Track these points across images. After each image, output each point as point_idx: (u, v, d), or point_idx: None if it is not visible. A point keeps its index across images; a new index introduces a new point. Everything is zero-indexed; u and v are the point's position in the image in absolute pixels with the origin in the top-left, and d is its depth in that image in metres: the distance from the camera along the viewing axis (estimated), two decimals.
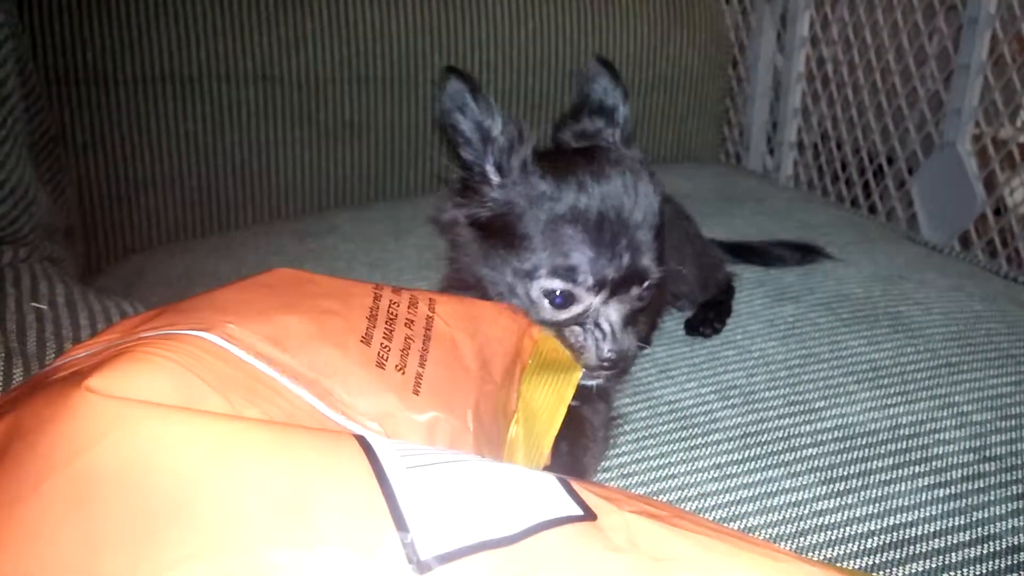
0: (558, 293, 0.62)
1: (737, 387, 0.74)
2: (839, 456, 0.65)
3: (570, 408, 0.57)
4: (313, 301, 0.53)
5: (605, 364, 0.63)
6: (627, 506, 0.39)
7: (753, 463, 0.65)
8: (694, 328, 0.83)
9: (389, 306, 0.57)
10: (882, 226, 1.28)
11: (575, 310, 0.63)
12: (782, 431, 0.68)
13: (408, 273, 0.95)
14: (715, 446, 0.67)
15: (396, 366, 0.52)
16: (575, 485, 0.40)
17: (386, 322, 0.55)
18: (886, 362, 0.76)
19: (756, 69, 1.55)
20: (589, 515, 0.38)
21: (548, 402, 0.58)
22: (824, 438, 0.67)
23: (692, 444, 0.67)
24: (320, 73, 1.17)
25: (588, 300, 0.63)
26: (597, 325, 0.63)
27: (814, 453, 0.65)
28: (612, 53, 1.28)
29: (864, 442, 0.66)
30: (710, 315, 0.84)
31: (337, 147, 1.20)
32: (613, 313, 0.63)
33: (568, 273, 0.61)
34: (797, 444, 0.66)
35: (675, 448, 0.66)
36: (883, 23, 1.35)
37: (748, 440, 0.67)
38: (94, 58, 1.09)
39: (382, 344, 0.53)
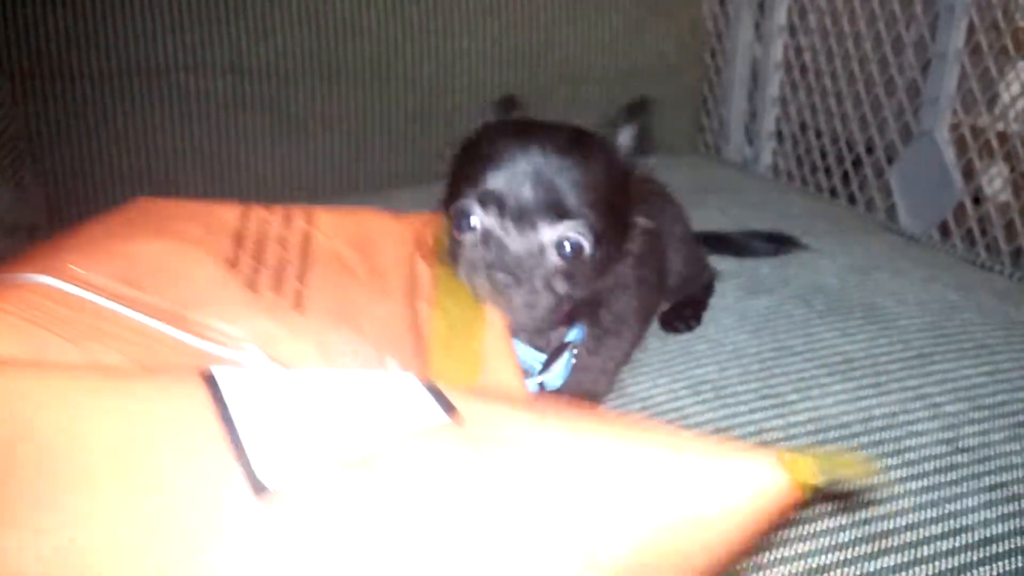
0: (455, 212, 0.59)
1: (709, 381, 0.73)
2: (810, 450, 0.64)
3: None
4: (173, 229, 0.51)
5: (482, 275, 0.56)
6: (496, 403, 0.38)
7: None
8: (669, 323, 0.82)
9: (259, 224, 0.55)
10: (859, 216, 1.27)
11: (473, 228, 0.58)
12: (754, 425, 0.67)
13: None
14: None
15: (270, 287, 0.50)
16: (437, 387, 0.39)
17: (255, 243, 0.53)
18: (859, 354, 0.75)
19: (734, 59, 1.54)
20: (452, 411, 0.37)
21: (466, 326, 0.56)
22: (796, 432, 0.66)
23: None
24: (289, 64, 1.15)
25: (482, 218, 0.58)
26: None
27: (786, 447, 0.64)
28: (587, 43, 1.27)
29: (837, 435, 0.66)
30: (686, 311, 0.83)
31: (307, 140, 1.19)
32: (516, 239, 0.57)
33: (463, 190, 0.58)
34: (769, 438, 0.66)
35: None
36: (860, 11, 1.33)
37: (720, 435, 0.66)
38: (59, 52, 1.07)
39: (251, 266, 0.51)
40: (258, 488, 0.33)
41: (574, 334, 0.63)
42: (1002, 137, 1.19)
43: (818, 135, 1.46)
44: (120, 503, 0.33)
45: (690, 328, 0.82)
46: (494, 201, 0.57)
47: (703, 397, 0.71)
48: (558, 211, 0.57)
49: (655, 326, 0.82)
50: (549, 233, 0.57)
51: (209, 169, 1.16)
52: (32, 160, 1.05)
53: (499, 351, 0.55)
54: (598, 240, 0.58)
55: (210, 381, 0.37)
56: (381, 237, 0.59)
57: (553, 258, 0.58)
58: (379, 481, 0.34)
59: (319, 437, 0.35)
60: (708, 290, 0.88)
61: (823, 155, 1.45)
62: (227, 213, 0.55)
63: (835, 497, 0.58)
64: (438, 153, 1.26)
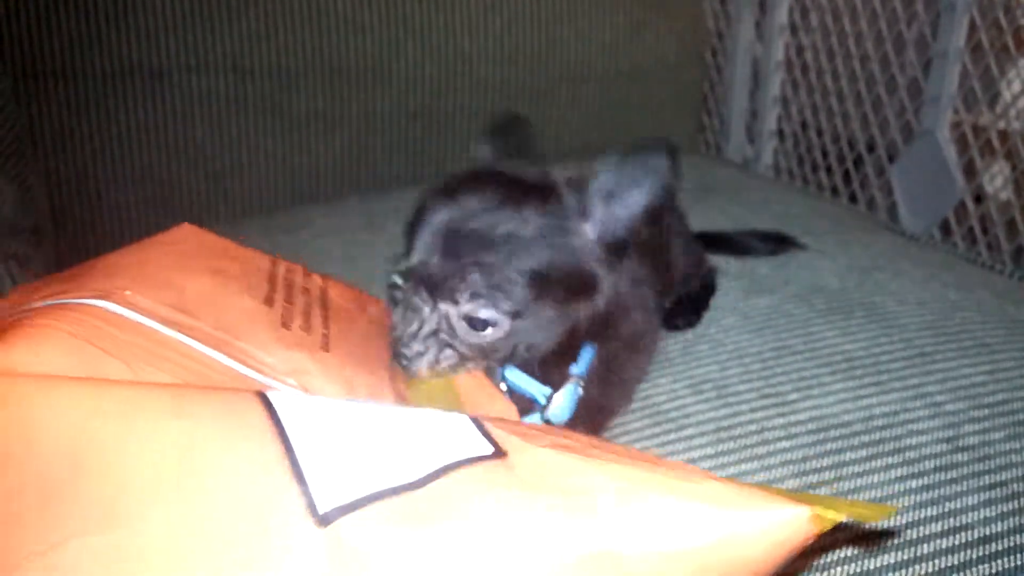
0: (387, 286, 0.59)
1: (710, 381, 0.73)
2: (813, 448, 0.64)
3: None
4: (214, 263, 0.54)
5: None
6: (540, 441, 0.38)
7: (727, 457, 0.64)
8: (669, 321, 0.82)
9: (286, 273, 0.58)
10: (859, 215, 1.28)
11: (401, 300, 0.58)
12: (756, 424, 0.67)
13: (384, 267, 0.94)
14: (688, 441, 0.66)
15: (300, 326, 0.52)
16: (487, 424, 0.39)
17: (285, 287, 0.56)
18: (860, 353, 0.75)
19: (735, 58, 1.54)
20: (499, 453, 0.37)
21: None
22: (798, 431, 0.66)
23: (665, 440, 0.66)
24: (291, 64, 1.15)
25: (407, 293, 0.58)
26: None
27: (788, 446, 0.65)
28: (588, 42, 1.27)
29: (837, 434, 0.66)
30: (687, 309, 0.84)
31: (309, 139, 1.19)
32: (433, 318, 0.57)
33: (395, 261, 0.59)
34: (771, 437, 0.66)
35: (648, 444, 0.66)
36: (862, 10, 1.34)
37: (722, 434, 0.66)
38: (61, 52, 1.07)
39: (284, 306, 0.53)
40: (321, 519, 0.33)
41: (579, 366, 0.62)
42: (1003, 135, 1.19)
43: (819, 134, 1.46)
44: (176, 516, 0.33)
45: (691, 325, 0.82)
46: (410, 276, 0.57)
47: (705, 396, 0.71)
48: (465, 287, 0.55)
49: None
50: (454, 311, 0.56)
51: (211, 169, 1.16)
52: (35, 160, 1.05)
53: (479, 388, 0.58)
54: (518, 313, 0.56)
55: (265, 401, 0.38)
56: (375, 309, 0.64)
57: (464, 332, 0.57)
58: (431, 514, 0.34)
59: (374, 466, 0.36)
60: (709, 288, 0.88)
61: (824, 154, 1.46)
62: (260, 257, 0.59)
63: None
64: (439, 153, 1.28)
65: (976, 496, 0.59)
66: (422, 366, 0.57)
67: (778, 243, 0.98)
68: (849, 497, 0.60)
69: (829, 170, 1.46)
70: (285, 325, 0.52)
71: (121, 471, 0.34)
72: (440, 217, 0.56)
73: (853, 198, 1.41)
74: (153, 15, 1.09)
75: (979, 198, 1.23)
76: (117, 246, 0.56)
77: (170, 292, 0.48)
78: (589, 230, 0.59)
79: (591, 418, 0.63)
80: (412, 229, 0.58)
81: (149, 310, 0.46)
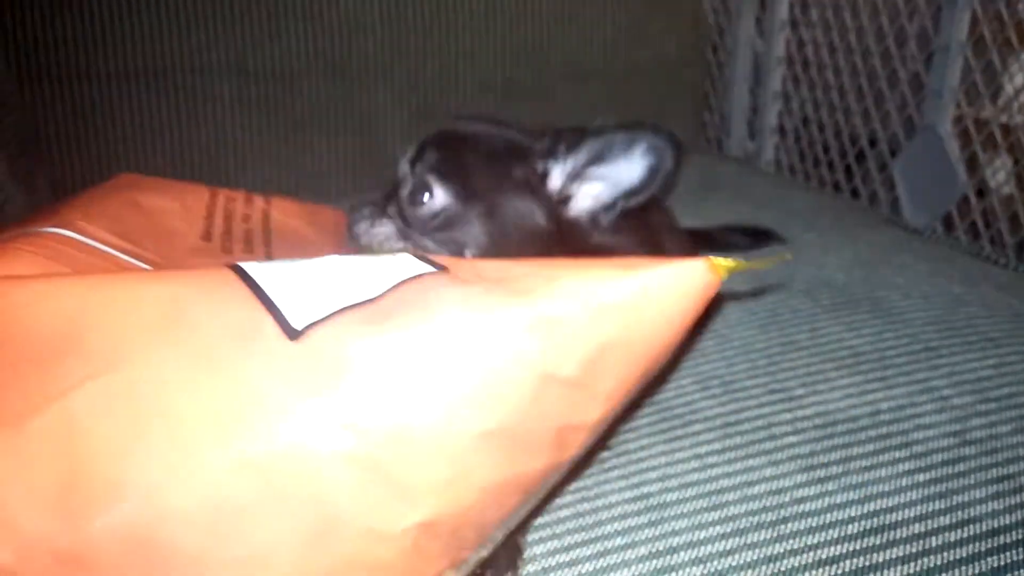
0: None
1: (717, 376, 0.73)
2: (820, 444, 0.65)
3: None
4: (155, 202, 0.59)
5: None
6: (475, 260, 0.47)
7: (734, 452, 0.64)
8: None
9: (226, 203, 0.63)
10: (863, 210, 1.28)
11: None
12: (763, 420, 0.68)
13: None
14: (695, 436, 0.66)
15: (242, 250, 0.58)
16: (427, 256, 0.45)
17: (224, 218, 0.61)
18: (866, 348, 0.76)
19: (735, 53, 1.54)
20: (442, 269, 0.44)
21: None
22: (804, 426, 0.67)
23: (672, 435, 0.66)
24: (295, 64, 1.15)
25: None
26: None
27: (795, 441, 0.65)
28: (589, 39, 1.27)
29: (844, 429, 0.66)
30: None
31: (312, 140, 1.19)
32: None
33: None
34: (778, 433, 0.66)
35: (655, 440, 0.66)
36: (863, 4, 1.34)
37: (729, 430, 0.67)
38: (67, 54, 1.07)
39: (223, 237, 0.58)
40: (290, 332, 0.38)
41: None
42: (1006, 129, 1.19)
43: (821, 129, 1.46)
44: (171, 352, 0.38)
45: None
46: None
47: (711, 392, 0.71)
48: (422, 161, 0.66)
49: None
50: (407, 173, 0.68)
51: (216, 169, 1.16)
52: (41, 162, 1.06)
53: None
54: (459, 196, 0.64)
55: (236, 268, 0.42)
56: (331, 220, 0.70)
57: (406, 204, 0.66)
58: (392, 315, 0.40)
59: (337, 291, 0.41)
60: None
61: (826, 149, 1.46)
62: (199, 191, 0.65)
63: None
64: None
65: (984, 489, 0.60)
66: (359, 230, 0.67)
67: (758, 237, 0.99)
68: (858, 492, 0.60)
69: (831, 165, 1.46)
70: (226, 251, 0.57)
71: (118, 325, 0.39)
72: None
73: (855, 193, 1.41)
74: (157, 18, 1.09)
75: (981, 192, 1.24)
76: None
77: (117, 224, 0.52)
78: (556, 172, 0.65)
79: None
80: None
81: (101, 237, 0.50)
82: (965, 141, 1.24)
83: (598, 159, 0.63)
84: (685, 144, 0.61)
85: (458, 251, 0.65)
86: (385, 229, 0.67)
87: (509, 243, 0.65)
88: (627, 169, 0.62)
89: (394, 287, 0.41)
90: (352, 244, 0.67)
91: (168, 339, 0.38)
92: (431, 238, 0.66)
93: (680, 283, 0.42)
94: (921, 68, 1.27)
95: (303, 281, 0.42)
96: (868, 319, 0.80)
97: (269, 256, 0.58)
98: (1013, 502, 0.59)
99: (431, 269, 0.43)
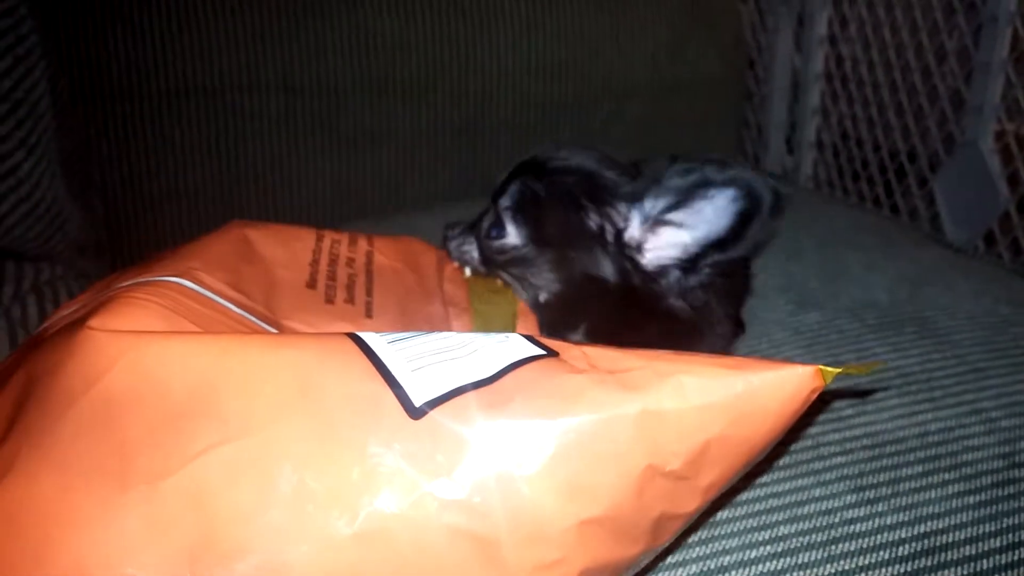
0: None
1: None
2: (868, 464, 0.65)
3: None
4: (262, 249, 0.60)
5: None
6: (583, 345, 0.46)
7: (782, 472, 0.65)
8: None
9: (331, 247, 0.64)
10: (906, 228, 1.27)
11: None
12: (811, 439, 0.68)
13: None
14: None
15: (344, 300, 0.59)
16: (536, 337, 0.47)
17: (328, 263, 0.62)
18: (913, 368, 0.76)
19: (773, 69, 1.55)
20: (552, 353, 0.45)
21: (499, 302, 0.68)
22: (853, 446, 0.67)
23: None
24: (340, 82, 1.17)
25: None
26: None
27: (843, 461, 0.65)
28: (630, 56, 1.28)
29: (893, 450, 0.66)
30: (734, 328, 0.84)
31: (357, 156, 1.21)
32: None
33: None
34: (826, 452, 0.66)
35: None
36: (902, 21, 1.34)
37: (778, 450, 0.67)
38: (119, 74, 1.10)
39: (327, 284, 0.59)
40: (416, 412, 0.40)
41: None
42: None
43: (859, 144, 1.46)
44: (296, 423, 0.39)
45: (736, 336, 0.83)
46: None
47: None
48: (505, 193, 0.67)
49: None
50: (489, 215, 0.69)
51: (262, 186, 1.19)
52: (95, 181, 1.08)
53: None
54: (531, 239, 0.66)
55: (355, 338, 0.44)
56: (422, 258, 0.72)
57: (484, 233, 0.68)
58: (509, 397, 0.41)
59: (453, 370, 0.42)
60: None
61: (865, 165, 1.45)
62: (306, 235, 0.65)
63: None
64: (484, 168, 1.30)
65: None
66: (451, 247, 0.72)
67: None
68: (908, 513, 0.60)
69: (870, 181, 1.46)
70: (329, 301, 0.58)
71: (250, 391, 0.40)
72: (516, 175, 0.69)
73: (895, 209, 1.41)
74: (207, 37, 1.12)
75: (1021, 207, 1.23)
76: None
77: (228, 273, 0.54)
78: (636, 219, 0.61)
79: None
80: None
81: (215, 288, 0.51)
82: (1006, 157, 1.23)
83: (679, 206, 0.57)
84: (785, 193, 0.54)
85: (531, 291, 0.67)
86: (471, 249, 0.71)
87: (579, 294, 0.65)
88: (713, 214, 0.55)
89: (509, 369, 0.42)
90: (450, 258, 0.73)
91: (295, 408, 0.40)
92: (505, 271, 0.68)
93: (787, 388, 0.43)
94: (961, 84, 1.27)
95: (421, 356, 0.43)
96: (914, 339, 0.80)
97: (370, 305, 0.59)
98: None
99: (543, 353, 0.45)
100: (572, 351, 0.45)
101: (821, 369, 0.44)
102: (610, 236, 0.62)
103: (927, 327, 0.83)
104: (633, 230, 0.61)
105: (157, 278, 0.49)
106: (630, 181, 0.62)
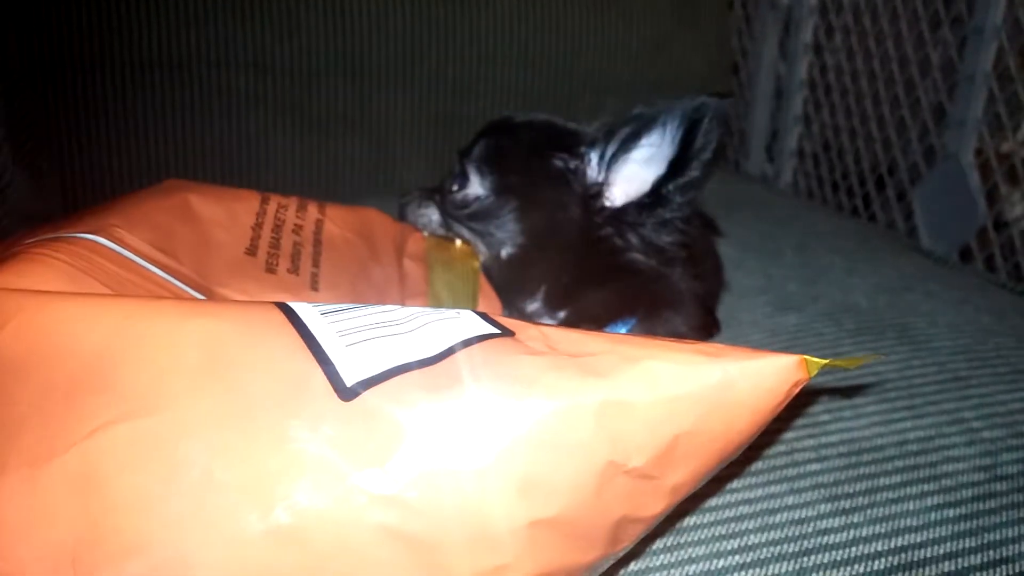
0: None
1: None
2: (844, 472, 0.62)
3: None
4: (201, 210, 0.55)
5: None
6: (543, 326, 0.42)
7: (755, 478, 0.62)
8: None
9: (277, 211, 0.59)
10: (887, 235, 1.26)
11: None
12: (786, 444, 0.65)
13: None
14: None
15: (288, 269, 0.54)
16: (492, 315, 0.42)
17: (272, 229, 0.57)
18: (892, 375, 0.74)
19: (758, 75, 1.53)
20: (507, 332, 0.40)
21: (458, 284, 0.63)
22: (829, 453, 0.64)
23: None
24: (313, 63, 1.13)
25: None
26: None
27: (818, 468, 0.63)
28: (613, 53, 1.26)
29: (870, 458, 0.64)
30: (707, 319, 0.82)
31: (328, 140, 1.17)
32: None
33: None
34: (801, 459, 0.64)
35: None
36: (887, 32, 1.33)
37: (749, 453, 0.64)
38: (80, 42, 1.06)
39: (268, 252, 0.55)
40: (346, 393, 0.35)
41: None
42: None
43: (840, 154, 1.45)
44: (208, 400, 0.35)
45: (711, 335, 0.81)
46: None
47: None
48: (471, 151, 0.67)
49: None
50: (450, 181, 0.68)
51: (228, 165, 1.14)
52: (50, 149, 1.04)
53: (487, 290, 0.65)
54: (495, 189, 0.65)
55: (285, 309, 0.39)
56: (379, 230, 0.66)
57: (448, 184, 0.68)
58: (452, 381, 0.37)
59: (393, 348, 0.37)
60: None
61: (845, 175, 1.44)
62: (250, 198, 0.60)
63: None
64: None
65: (1016, 528, 0.57)
66: (407, 212, 0.71)
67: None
68: (884, 525, 0.58)
69: (850, 191, 1.44)
70: (270, 270, 0.53)
71: (155, 363, 0.35)
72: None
73: (873, 219, 1.40)
74: (175, 9, 1.07)
75: (998, 224, 1.22)
76: None
77: (156, 233, 0.49)
78: (593, 160, 0.63)
79: None
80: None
81: (136, 247, 0.47)
82: (986, 173, 1.22)
83: (633, 138, 0.59)
84: (725, 108, 0.57)
85: (494, 246, 0.65)
86: (428, 211, 0.70)
87: (542, 246, 0.63)
88: (661, 141, 0.58)
89: (456, 348, 0.38)
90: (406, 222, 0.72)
91: (207, 385, 0.35)
92: (465, 226, 0.66)
93: (769, 379, 0.39)
94: (944, 97, 1.26)
95: (358, 330, 0.39)
96: (894, 345, 0.78)
97: (316, 277, 0.55)
98: None
99: (496, 331, 0.40)
100: (529, 331, 0.40)
101: (806, 360, 0.40)
102: (573, 179, 0.63)
103: (907, 333, 0.80)
104: (593, 171, 0.63)
105: (70, 234, 0.45)
106: (588, 131, 0.65)
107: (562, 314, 0.64)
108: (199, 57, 1.10)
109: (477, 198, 0.66)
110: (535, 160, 0.65)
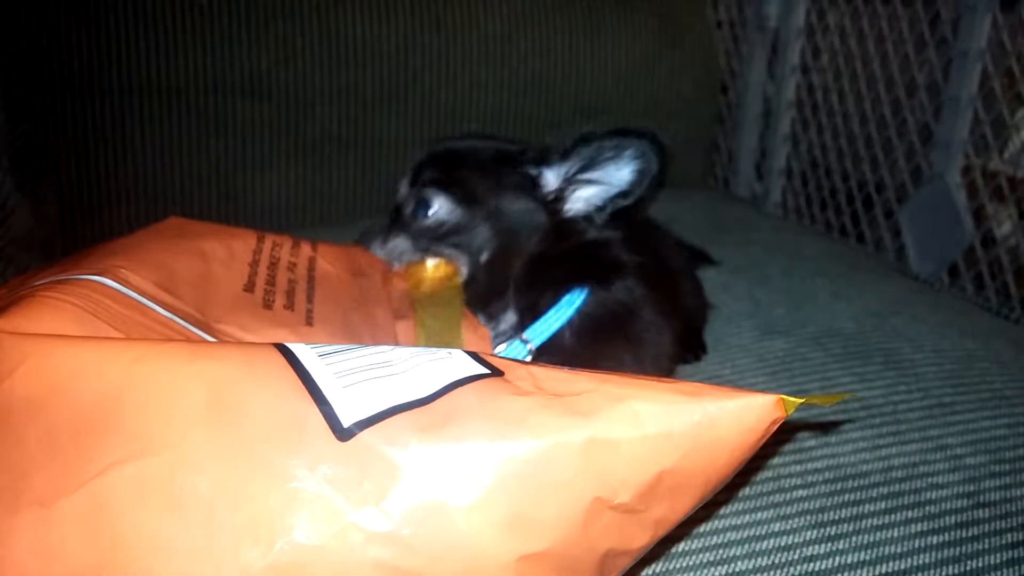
0: None
1: None
2: (830, 499, 0.63)
3: None
4: (200, 245, 0.57)
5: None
6: (531, 364, 0.44)
7: (742, 503, 0.63)
8: (679, 354, 0.82)
9: (272, 249, 0.61)
10: (873, 258, 1.28)
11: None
12: (772, 470, 0.66)
13: None
14: None
15: (284, 305, 0.56)
16: (482, 355, 0.44)
17: (268, 267, 0.59)
18: (878, 400, 0.75)
19: (746, 95, 1.55)
20: (496, 372, 0.42)
21: (443, 312, 0.65)
22: (815, 479, 0.66)
23: None
24: (308, 88, 1.15)
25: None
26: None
27: (805, 495, 0.64)
28: (603, 75, 1.27)
29: (855, 484, 0.65)
30: (691, 341, 0.83)
31: (323, 163, 1.19)
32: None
33: None
34: (787, 485, 0.65)
35: None
36: (874, 53, 1.35)
37: (737, 479, 0.65)
38: (80, 67, 1.07)
39: (265, 289, 0.56)
40: (344, 433, 0.37)
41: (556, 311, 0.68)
42: (1012, 182, 1.19)
43: (828, 174, 1.47)
44: (209, 440, 0.36)
45: (698, 358, 0.82)
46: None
47: None
48: (420, 179, 0.70)
49: None
50: (407, 193, 0.71)
51: (224, 189, 1.15)
52: (49, 174, 1.05)
53: (472, 326, 0.65)
54: (461, 202, 0.68)
55: (283, 350, 0.41)
56: (367, 265, 0.68)
57: (411, 216, 0.70)
58: (446, 420, 0.38)
59: (387, 389, 0.39)
60: (704, 320, 0.89)
61: (833, 194, 1.46)
62: (246, 237, 0.61)
63: None
64: None
65: (999, 555, 0.59)
66: (374, 248, 0.71)
67: (698, 257, 1.02)
68: (870, 552, 0.59)
69: (838, 210, 1.46)
70: (267, 306, 0.55)
71: (161, 405, 0.37)
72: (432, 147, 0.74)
73: (861, 238, 1.41)
74: (173, 35, 1.09)
75: (986, 243, 1.24)
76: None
77: (159, 272, 0.51)
78: (549, 177, 0.68)
79: None
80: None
81: (140, 287, 0.48)
82: (972, 191, 1.24)
83: (589, 165, 0.67)
84: (669, 147, 0.66)
85: (473, 255, 0.68)
86: (399, 242, 0.71)
87: (517, 242, 0.68)
88: (616, 173, 0.66)
89: (448, 389, 0.40)
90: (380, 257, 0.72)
91: (211, 425, 0.36)
92: (443, 245, 0.69)
93: (746, 418, 0.41)
94: (931, 118, 1.28)
95: (354, 371, 0.40)
96: (880, 371, 0.79)
97: (311, 312, 0.56)
98: None
99: (486, 372, 0.42)
100: (518, 371, 0.42)
101: (783, 399, 0.41)
102: (533, 187, 0.69)
103: (893, 359, 0.82)
104: (549, 185, 0.69)
105: (77, 276, 0.46)
106: (531, 151, 0.71)
107: (530, 294, 0.69)
108: (196, 83, 1.11)
109: (448, 216, 0.68)
110: (491, 175, 0.70)
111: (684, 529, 0.60)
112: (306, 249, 0.64)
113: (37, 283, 0.46)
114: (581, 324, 0.67)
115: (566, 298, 0.67)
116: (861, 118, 1.38)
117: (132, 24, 1.07)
